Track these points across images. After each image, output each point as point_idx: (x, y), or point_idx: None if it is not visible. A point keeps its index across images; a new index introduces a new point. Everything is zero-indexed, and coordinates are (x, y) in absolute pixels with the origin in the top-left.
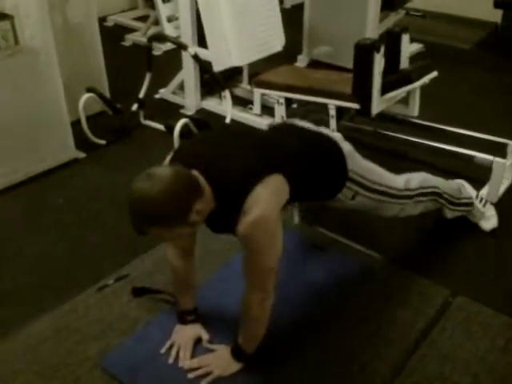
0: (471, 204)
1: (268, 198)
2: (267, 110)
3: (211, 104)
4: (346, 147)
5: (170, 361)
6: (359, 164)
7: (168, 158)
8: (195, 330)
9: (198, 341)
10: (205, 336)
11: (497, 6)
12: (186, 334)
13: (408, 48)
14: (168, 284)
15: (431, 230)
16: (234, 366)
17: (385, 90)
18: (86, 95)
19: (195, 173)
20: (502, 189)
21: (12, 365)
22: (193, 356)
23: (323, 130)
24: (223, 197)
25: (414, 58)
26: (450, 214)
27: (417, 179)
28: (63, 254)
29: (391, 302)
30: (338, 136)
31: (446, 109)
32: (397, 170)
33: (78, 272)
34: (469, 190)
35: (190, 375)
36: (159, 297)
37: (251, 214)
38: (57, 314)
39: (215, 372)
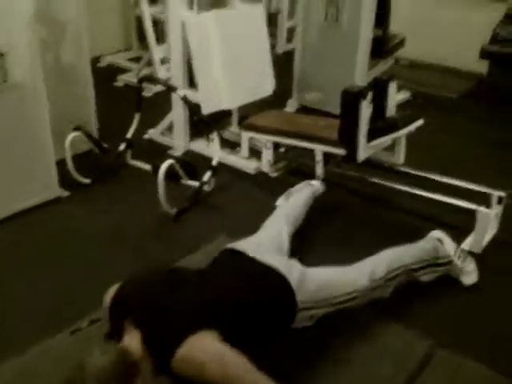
0: (449, 263)
1: (198, 347)
2: (255, 153)
3: (199, 146)
4: (296, 276)
5: None
6: (310, 288)
7: (112, 289)
8: None
9: None
10: None
11: (482, 56)
12: None
13: (395, 96)
14: None
15: (413, 281)
16: None
17: (371, 136)
18: (73, 134)
19: (131, 335)
20: (486, 239)
21: None
22: None
23: (271, 261)
24: (154, 351)
25: (401, 107)
26: (426, 278)
27: (382, 266)
28: (39, 293)
29: (373, 352)
30: (286, 264)
31: (432, 157)
32: (380, 219)
33: (52, 313)
34: (447, 247)
35: None
36: None
37: (184, 353)
38: (28, 356)
39: None
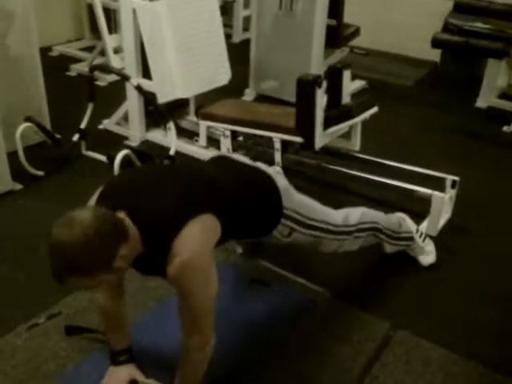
0: (411, 238)
1: (197, 238)
2: (213, 142)
3: (156, 136)
4: (282, 183)
5: None
6: (295, 200)
7: (94, 196)
8: (128, 371)
9: (132, 382)
10: (139, 377)
11: (434, 45)
12: (118, 376)
13: (349, 84)
14: (102, 322)
15: (372, 263)
16: None
17: (327, 124)
18: (24, 125)
19: (121, 214)
20: (441, 222)
21: None
22: None
23: (260, 165)
24: (150, 239)
25: (357, 95)
26: (389, 248)
27: (356, 214)
28: None
29: (333, 337)
30: (273, 171)
31: (388, 143)
32: (338, 203)
33: (6, 311)
34: (409, 224)
35: None
36: (92, 336)
37: (179, 256)
38: None
39: None
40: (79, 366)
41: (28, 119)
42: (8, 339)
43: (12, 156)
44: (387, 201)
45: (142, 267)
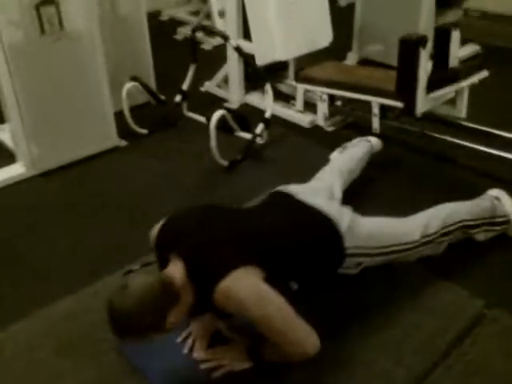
0: (507, 222)
1: (239, 279)
2: (311, 107)
3: (254, 99)
4: (346, 222)
5: (185, 350)
6: (361, 235)
7: (156, 227)
8: (213, 320)
9: (216, 332)
10: (223, 325)
11: None
12: (203, 324)
13: (457, 46)
14: None
15: (467, 240)
16: (247, 363)
17: (430, 88)
18: (130, 84)
19: (175, 266)
20: None
21: (30, 340)
22: (209, 347)
23: (323, 205)
24: (198, 283)
25: (469, 60)
26: (481, 236)
27: (438, 220)
28: (95, 238)
29: (422, 310)
30: (337, 209)
31: (497, 112)
32: (440, 174)
33: (104, 258)
34: (506, 204)
35: (203, 366)
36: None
37: (222, 289)
38: (80, 295)
39: (228, 365)
40: None
41: (133, 79)
42: (105, 282)
43: (119, 115)
44: (490, 172)
45: (198, 313)
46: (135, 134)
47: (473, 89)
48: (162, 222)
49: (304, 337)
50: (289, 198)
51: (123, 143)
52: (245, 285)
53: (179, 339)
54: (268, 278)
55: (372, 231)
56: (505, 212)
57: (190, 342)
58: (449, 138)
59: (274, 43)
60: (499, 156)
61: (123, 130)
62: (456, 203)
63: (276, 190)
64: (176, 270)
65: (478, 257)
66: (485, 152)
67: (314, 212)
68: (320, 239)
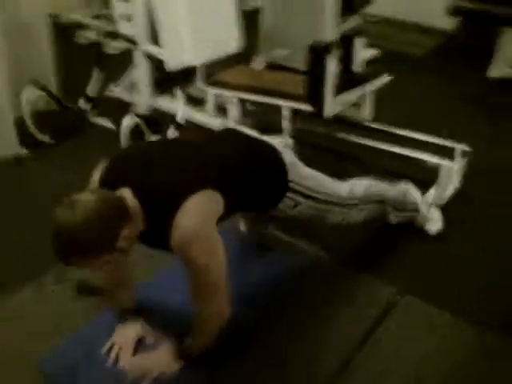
0: (416, 210)
1: (197, 210)
2: (222, 110)
3: (164, 103)
4: (288, 157)
5: (110, 362)
6: (301, 173)
7: (97, 170)
8: (136, 328)
9: (140, 340)
10: (147, 334)
11: (450, 13)
12: (126, 333)
13: (361, 51)
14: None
15: (378, 231)
16: (176, 365)
17: (337, 91)
18: (29, 87)
19: (124, 192)
20: (449, 192)
21: None
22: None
23: (266, 138)
24: (153, 214)
25: (369, 63)
26: (394, 219)
27: (361, 187)
28: None
29: (337, 301)
30: (281, 144)
31: (399, 113)
32: (347, 173)
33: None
34: (414, 194)
35: (130, 376)
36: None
37: (181, 227)
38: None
39: (155, 372)
40: (91, 324)
41: (34, 83)
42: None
43: (20, 120)
44: (396, 170)
45: (149, 242)
46: (38, 142)
47: (378, 92)
48: (103, 165)
49: (226, 299)
50: (234, 131)
51: (24, 151)
52: (200, 229)
53: (103, 350)
54: (225, 205)
55: (309, 174)
56: (414, 199)
57: (113, 353)
58: (354, 139)
59: (184, 48)
60: (400, 154)
61: (25, 138)
62: (376, 180)
63: (222, 127)
64: (126, 195)
65: (389, 246)
66: (387, 150)
67: (261, 143)
68: (267, 167)
